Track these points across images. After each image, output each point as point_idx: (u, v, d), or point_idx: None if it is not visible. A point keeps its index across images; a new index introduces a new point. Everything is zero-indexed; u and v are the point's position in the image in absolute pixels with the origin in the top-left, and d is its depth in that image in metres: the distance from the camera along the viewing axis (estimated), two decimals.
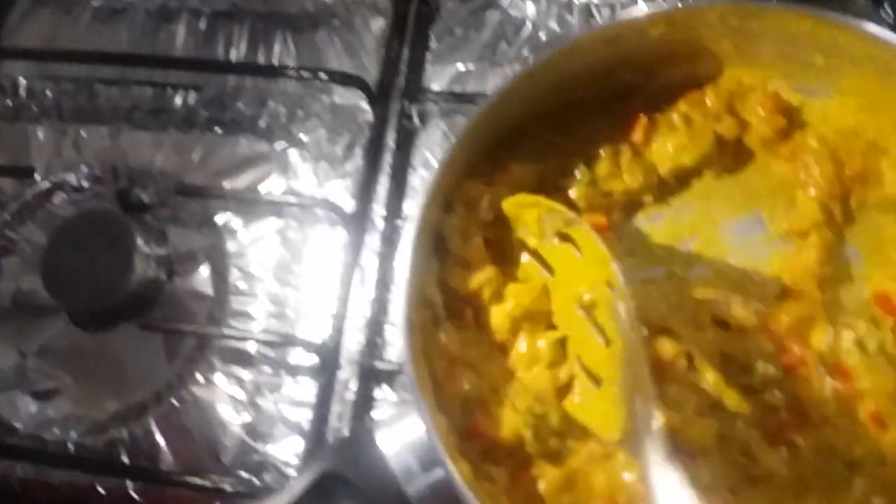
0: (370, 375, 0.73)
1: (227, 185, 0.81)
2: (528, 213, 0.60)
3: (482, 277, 0.60)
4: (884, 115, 0.60)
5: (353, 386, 0.73)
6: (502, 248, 0.62)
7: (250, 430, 0.74)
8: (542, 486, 0.56)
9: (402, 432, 0.55)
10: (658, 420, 0.50)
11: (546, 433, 0.56)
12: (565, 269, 0.58)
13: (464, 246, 0.60)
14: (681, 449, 0.55)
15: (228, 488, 0.71)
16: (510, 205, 0.60)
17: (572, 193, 0.63)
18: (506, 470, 0.57)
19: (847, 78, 0.60)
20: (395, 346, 0.74)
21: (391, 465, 0.54)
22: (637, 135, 0.63)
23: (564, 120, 0.64)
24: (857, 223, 0.61)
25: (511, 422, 0.56)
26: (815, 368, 0.57)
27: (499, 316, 0.59)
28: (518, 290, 0.59)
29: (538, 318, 0.59)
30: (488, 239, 0.61)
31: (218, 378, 0.76)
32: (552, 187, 0.63)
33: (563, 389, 0.57)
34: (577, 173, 0.63)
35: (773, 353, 0.58)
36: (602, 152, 0.63)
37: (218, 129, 0.83)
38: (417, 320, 0.56)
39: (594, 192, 0.63)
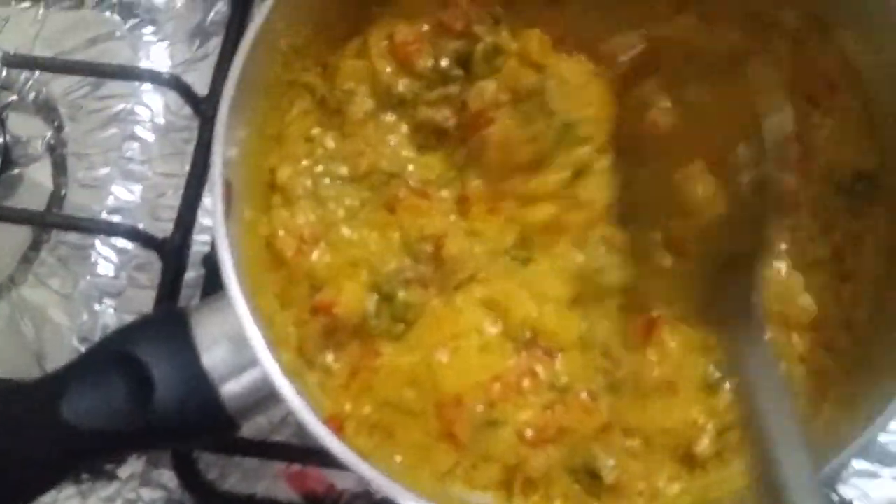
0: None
1: (72, 63, 0.72)
2: None
3: None
4: None
5: (199, 292, 0.66)
6: None
7: (83, 337, 0.66)
8: (383, 377, 0.50)
9: (221, 320, 0.47)
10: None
11: (387, 314, 0.50)
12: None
13: None
14: (538, 345, 0.50)
15: None
16: None
17: None
18: (347, 360, 0.50)
19: None
20: None
21: (203, 361, 0.46)
22: None
23: None
24: None
25: (357, 295, 0.50)
26: None
27: None
28: None
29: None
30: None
31: (52, 279, 0.68)
32: None
33: None
34: None
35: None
36: None
37: (66, 3, 0.74)
38: (241, 203, 0.49)
39: None
